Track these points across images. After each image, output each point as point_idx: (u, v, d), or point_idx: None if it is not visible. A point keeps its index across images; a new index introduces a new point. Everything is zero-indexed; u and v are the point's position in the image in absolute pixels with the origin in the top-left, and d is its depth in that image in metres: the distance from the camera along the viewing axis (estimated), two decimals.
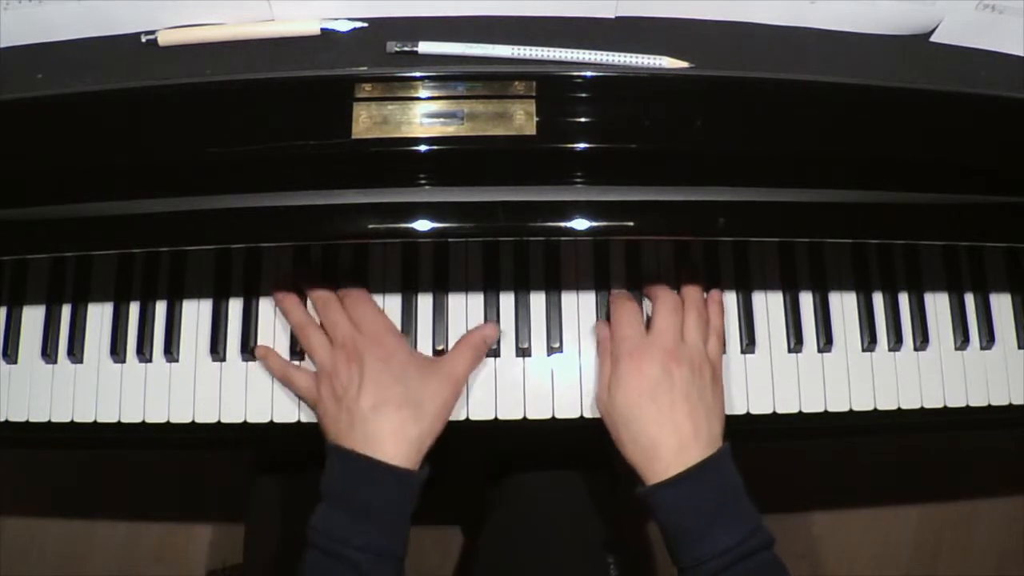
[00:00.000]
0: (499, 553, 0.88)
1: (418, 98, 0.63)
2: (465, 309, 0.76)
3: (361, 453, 0.63)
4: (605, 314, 0.75)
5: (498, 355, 0.75)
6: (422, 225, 0.63)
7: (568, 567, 0.82)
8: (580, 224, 0.63)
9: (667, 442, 0.63)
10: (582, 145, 0.63)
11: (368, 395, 0.64)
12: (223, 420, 0.74)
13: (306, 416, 0.74)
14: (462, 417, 0.74)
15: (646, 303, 0.75)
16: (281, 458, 0.91)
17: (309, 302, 0.74)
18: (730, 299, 0.77)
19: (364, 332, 0.69)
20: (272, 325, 0.76)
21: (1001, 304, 0.79)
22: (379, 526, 0.62)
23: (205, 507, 1.37)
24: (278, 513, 0.88)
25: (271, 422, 0.74)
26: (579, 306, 0.76)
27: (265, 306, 0.76)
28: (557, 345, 0.75)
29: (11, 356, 0.76)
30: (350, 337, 0.68)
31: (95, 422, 0.74)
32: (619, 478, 0.92)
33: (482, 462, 1.18)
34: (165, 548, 1.38)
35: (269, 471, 0.90)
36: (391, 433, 0.64)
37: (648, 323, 0.71)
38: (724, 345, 0.73)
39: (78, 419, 0.75)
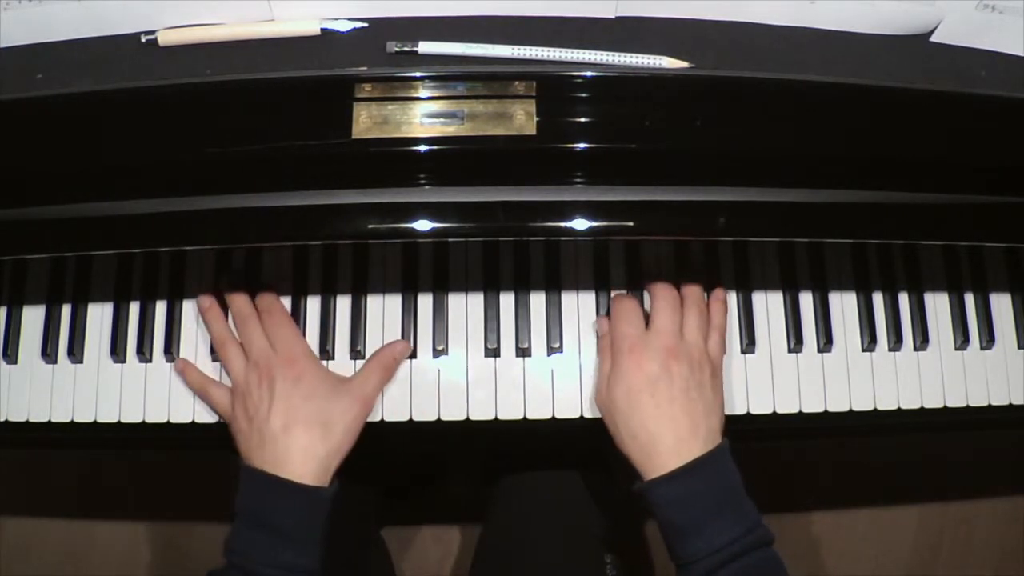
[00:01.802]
0: (498, 552, 0.89)
1: (418, 98, 0.63)
2: (465, 309, 0.76)
3: (270, 473, 0.64)
4: (606, 313, 0.75)
5: (498, 355, 0.75)
6: (422, 225, 0.63)
7: (566, 566, 0.82)
8: (580, 224, 0.63)
9: (665, 438, 0.63)
10: (582, 145, 0.63)
11: (278, 415, 0.65)
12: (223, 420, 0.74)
13: None
14: (462, 417, 0.74)
15: (648, 299, 0.75)
16: None
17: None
18: (730, 299, 0.76)
19: (278, 351, 0.69)
20: None
21: (1001, 304, 0.79)
22: (291, 543, 0.63)
23: (205, 507, 1.36)
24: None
25: None
26: (579, 306, 0.76)
27: None
28: (557, 345, 0.75)
29: (11, 356, 0.76)
30: (264, 356, 0.68)
31: (95, 422, 0.74)
32: (617, 478, 0.92)
33: (482, 462, 1.18)
34: (165, 548, 1.38)
35: None
36: (300, 452, 0.64)
37: (648, 320, 0.71)
38: (726, 344, 0.73)
39: (78, 419, 0.75)
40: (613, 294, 0.75)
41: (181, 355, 0.75)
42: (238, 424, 0.68)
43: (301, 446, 0.64)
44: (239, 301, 0.72)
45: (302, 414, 0.65)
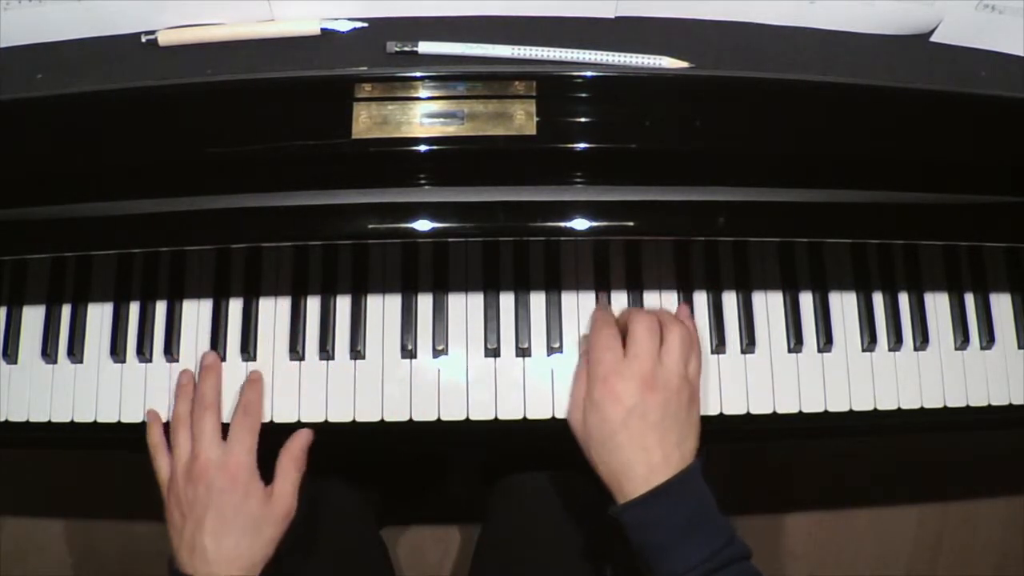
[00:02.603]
0: (497, 552, 0.89)
1: (418, 98, 0.63)
2: (465, 309, 0.76)
3: None
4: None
5: (498, 355, 0.75)
6: (422, 225, 0.63)
7: (564, 566, 0.82)
8: (580, 224, 0.63)
9: (637, 467, 0.63)
10: (582, 145, 0.63)
11: (211, 522, 0.65)
12: (223, 420, 0.74)
13: (306, 417, 0.74)
14: (462, 417, 0.74)
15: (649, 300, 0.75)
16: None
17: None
18: (730, 299, 0.77)
19: (226, 457, 0.68)
20: (272, 325, 0.76)
21: (1001, 304, 0.79)
22: None
23: None
24: None
25: (271, 422, 0.74)
26: (579, 306, 0.76)
27: (265, 306, 0.76)
28: (557, 345, 0.75)
29: (11, 356, 0.76)
30: (208, 456, 0.67)
31: (95, 422, 0.74)
32: None
33: (481, 462, 1.18)
34: (165, 548, 1.38)
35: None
36: (229, 561, 0.65)
37: (626, 342, 0.68)
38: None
39: (78, 419, 0.75)
40: (596, 307, 0.74)
41: (181, 355, 0.75)
42: (171, 514, 0.68)
43: (230, 556, 0.65)
44: (209, 390, 0.71)
45: (233, 526, 0.65)
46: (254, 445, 0.69)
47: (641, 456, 0.63)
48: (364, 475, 1.00)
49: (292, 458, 0.70)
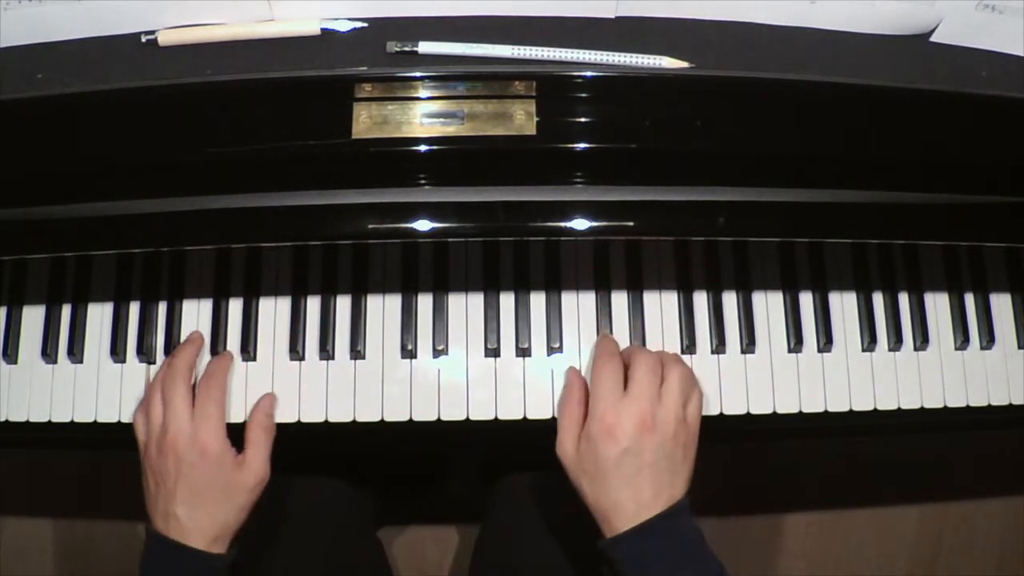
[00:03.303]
0: (496, 552, 0.89)
1: (418, 98, 0.63)
2: (465, 309, 0.76)
3: (175, 541, 0.66)
4: (607, 315, 0.75)
5: (498, 355, 0.75)
6: (422, 225, 0.63)
7: (563, 566, 0.82)
8: (580, 224, 0.63)
9: (626, 505, 0.63)
10: (582, 145, 0.63)
11: (184, 492, 0.66)
12: (234, 420, 0.74)
13: (306, 417, 0.74)
14: (462, 417, 0.74)
15: (647, 300, 0.75)
16: (274, 458, 0.91)
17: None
18: (730, 299, 0.77)
19: (196, 426, 0.68)
20: (272, 325, 0.76)
21: (1001, 304, 0.79)
22: None
23: None
24: (269, 513, 0.88)
25: None
26: (579, 306, 0.76)
27: (265, 306, 0.76)
28: (557, 345, 0.75)
29: (11, 356, 0.76)
30: (177, 427, 0.67)
31: (95, 422, 0.74)
32: None
33: (481, 462, 1.18)
34: None
35: None
36: (202, 528, 0.66)
37: (626, 378, 0.68)
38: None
39: (78, 419, 0.75)
40: (600, 337, 0.73)
41: None
42: (146, 479, 0.69)
43: (203, 525, 0.66)
44: (182, 362, 0.71)
45: (206, 497, 0.66)
46: (223, 415, 0.69)
47: (632, 494, 0.63)
48: (361, 475, 1.00)
49: (260, 425, 0.70)
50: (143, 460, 0.69)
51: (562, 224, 0.63)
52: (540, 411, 0.74)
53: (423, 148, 0.63)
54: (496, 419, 0.74)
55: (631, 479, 0.64)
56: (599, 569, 0.82)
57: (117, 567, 1.38)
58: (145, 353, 0.75)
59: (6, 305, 0.77)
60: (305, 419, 0.74)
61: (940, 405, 0.76)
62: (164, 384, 0.69)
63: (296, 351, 0.75)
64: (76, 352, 0.75)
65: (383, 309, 0.76)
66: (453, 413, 0.74)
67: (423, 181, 0.63)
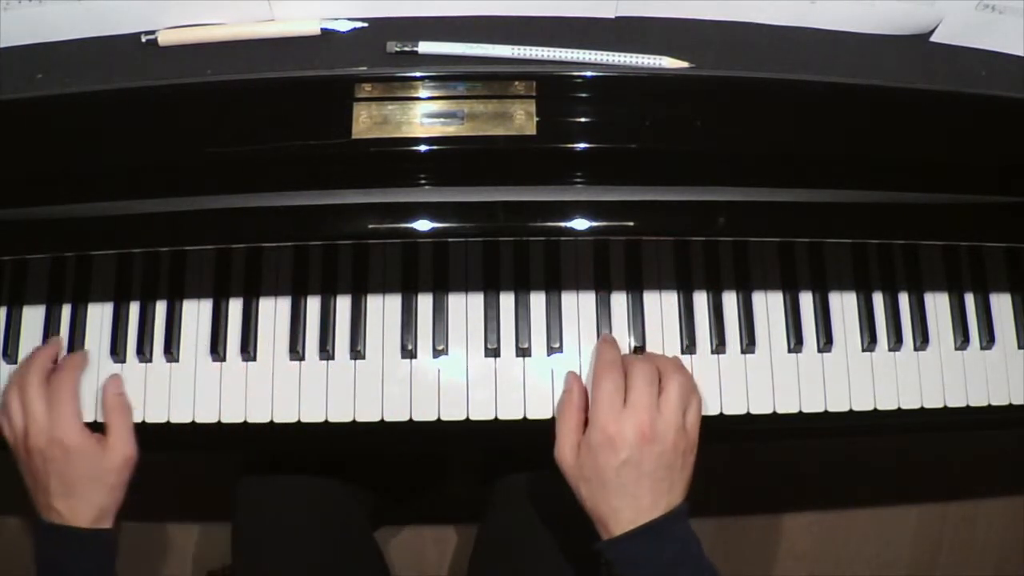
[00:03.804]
0: (495, 553, 0.89)
1: (418, 98, 0.63)
2: (465, 309, 0.76)
3: (63, 525, 0.69)
4: (607, 315, 0.75)
5: (498, 355, 0.75)
6: (422, 225, 0.63)
7: (562, 567, 0.82)
8: (580, 224, 0.63)
9: (625, 512, 0.64)
10: (582, 145, 0.63)
11: (58, 485, 0.69)
12: (223, 420, 0.74)
13: (307, 417, 0.74)
14: (462, 417, 0.74)
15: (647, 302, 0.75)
16: (272, 458, 0.91)
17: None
18: (730, 299, 0.77)
19: (52, 422, 0.69)
20: (272, 325, 0.76)
21: (1001, 304, 0.79)
22: None
23: (205, 507, 1.36)
24: (265, 513, 0.88)
25: (271, 422, 0.74)
26: (579, 306, 0.76)
27: (265, 306, 0.76)
28: (557, 345, 0.75)
29: (11, 356, 0.76)
30: (37, 426, 0.69)
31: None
32: None
33: (481, 462, 1.18)
34: (165, 548, 1.38)
35: (255, 472, 0.90)
36: (82, 512, 0.69)
37: (626, 389, 0.68)
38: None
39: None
40: (600, 340, 0.73)
41: (181, 355, 0.75)
42: (26, 478, 0.71)
43: (80, 511, 0.69)
44: (34, 362, 0.72)
45: (77, 486, 0.69)
46: (76, 407, 0.71)
47: (630, 502, 0.64)
48: (359, 475, 1.00)
49: (112, 408, 0.72)
50: (17, 461, 0.71)
51: (562, 224, 0.63)
52: (540, 411, 0.74)
53: (423, 148, 0.63)
54: (496, 419, 0.74)
55: (630, 487, 0.64)
56: (597, 569, 0.82)
57: (117, 567, 1.38)
58: (145, 353, 0.75)
59: (6, 305, 0.77)
60: (305, 419, 0.74)
61: (940, 405, 0.76)
62: (19, 387, 0.71)
63: (296, 351, 0.75)
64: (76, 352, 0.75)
65: (383, 309, 0.76)
66: (453, 413, 0.74)
67: (423, 181, 0.63)
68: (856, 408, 0.76)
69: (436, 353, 0.75)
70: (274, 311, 0.76)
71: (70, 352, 0.75)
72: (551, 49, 0.67)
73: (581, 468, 0.66)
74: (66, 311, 0.76)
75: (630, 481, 0.64)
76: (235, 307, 0.76)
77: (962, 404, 0.76)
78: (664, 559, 0.64)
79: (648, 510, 0.64)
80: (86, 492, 0.69)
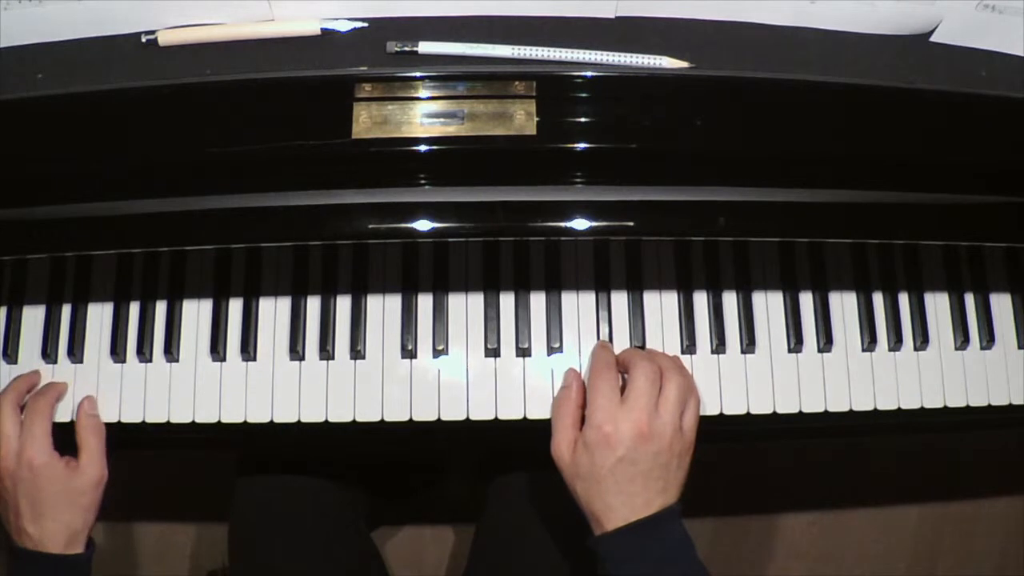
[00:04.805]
0: (493, 552, 0.89)
1: (418, 98, 0.63)
2: (465, 309, 0.76)
3: (34, 551, 0.69)
4: (607, 315, 0.75)
5: (498, 355, 0.75)
6: (422, 225, 0.63)
7: (560, 566, 0.82)
8: (580, 224, 0.63)
9: (619, 511, 0.64)
10: (582, 145, 0.63)
11: (27, 509, 0.69)
12: (223, 420, 0.74)
13: (306, 416, 0.74)
14: (462, 417, 0.74)
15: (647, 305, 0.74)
16: (271, 459, 0.91)
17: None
18: (730, 299, 0.77)
19: (23, 451, 0.70)
20: (272, 325, 0.76)
21: (1001, 304, 0.79)
22: None
23: (205, 507, 1.36)
24: (264, 514, 0.88)
25: (271, 422, 0.74)
26: (579, 306, 0.76)
27: (265, 306, 0.76)
28: (557, 345, 0.75)
29: (11, 356, 0.76)
30: (8, 454, 0.70)
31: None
32: None
33: (479, 462, 1.18)
34: (165, 548, 1.38)
35: (252, 472, 0.90)
36: (56, 535, 0.69)
37: (624, 386, 0.68)
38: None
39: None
40: (597, 346, 0.73)
41: (181, 355, 0.75)
42: None
43: (52, 532, 0.69)
44: (13, 389, 0.73)
45: (48, 508, 0.69)
46: (47, 430, 0.71)
47: (625, 500, 0.64)
48: (357, 476, 1.00)
49: (85, 428, 0.73)
50: None
51: (562, 224, 0.63)
52: (540, 411, 0.74)
53: (423, 148, 0.63)
54: (496, 419, 0.74)
55: (625, 485, 0.64)
56: (594, 568, 0.82)
57: (117, 567, 1.38)
58: (145, 353, 0.75)
59: (6, 305, 0.77)
60: (305, 419, 0.74)
61: (940, 405, 0.76)
62: None
63: (296, 351, 0.75)
64: (76, 352, 0.75)
65: (383, 309, 0.76)
66: (453, 413, 0.74)
67: (423, 181, 0.63)
68: (856, 408, 0.76)
69: (436, 353, 0.75)
70: (274, 311, 0.76)
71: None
72: (551, 49, 0.67)
73: (577, 465, 0.66)
74: (66, 311, 0.76)
75: (625, 479, 0.64)
76: (235, 307, 0.76)
77: (962, 404, 0.76)
78: (655, 557, 0.64)
79: (642, 508, 0.64)
80: (57, 513, 0.69)
